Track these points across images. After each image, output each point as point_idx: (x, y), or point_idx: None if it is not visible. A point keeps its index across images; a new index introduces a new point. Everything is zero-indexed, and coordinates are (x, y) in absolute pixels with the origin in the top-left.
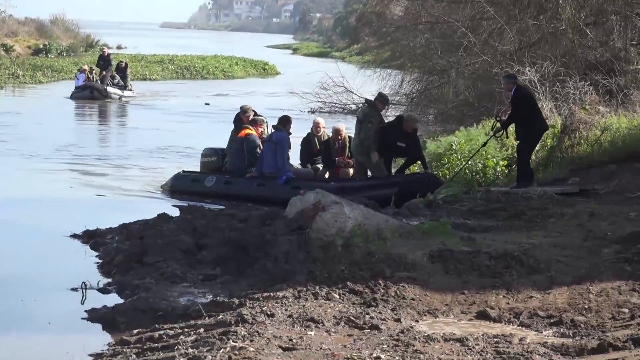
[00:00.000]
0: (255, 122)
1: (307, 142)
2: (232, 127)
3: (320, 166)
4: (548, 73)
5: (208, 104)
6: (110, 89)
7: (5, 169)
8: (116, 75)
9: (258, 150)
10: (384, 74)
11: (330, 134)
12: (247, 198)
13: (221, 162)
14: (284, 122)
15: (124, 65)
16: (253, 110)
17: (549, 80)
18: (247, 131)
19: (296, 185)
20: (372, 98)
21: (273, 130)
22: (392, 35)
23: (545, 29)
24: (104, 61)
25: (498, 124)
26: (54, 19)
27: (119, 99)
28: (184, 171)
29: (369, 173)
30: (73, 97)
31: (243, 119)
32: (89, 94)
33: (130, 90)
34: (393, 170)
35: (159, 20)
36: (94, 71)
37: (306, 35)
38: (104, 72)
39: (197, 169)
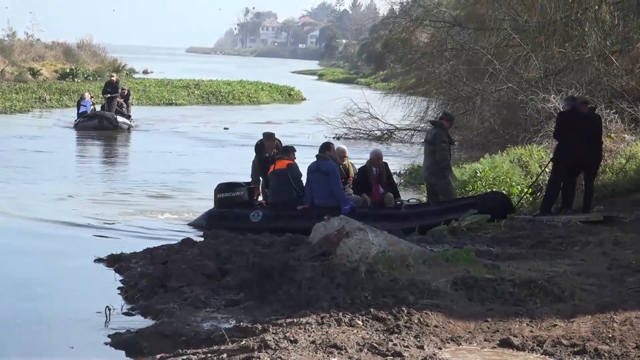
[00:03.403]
0: (288, 151)
1: None
2: (243, 153)
3: (351, 192)
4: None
5: (227, 129)
6: (119, 119)
7: (32, 194)
8: (123, 103)
9: (303, 180)
10: (410, 101)
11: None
12: (307, 231)
13: (248, 196)
14: (327, 150)
15: (126, 92)
16: (277, 138)
17: None
18: (287, 162)
19: (364, 214)
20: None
21: (317, 160)
22: (417, 62)
23: (571, 56)
24: (111, 88)
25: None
26: (81, 43)
27: (128, 129)
28: (217, 209)
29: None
30: (79, 126)
31: (266, 145)
32: (97, 124)
33: (131, 119)
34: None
35: (185, 45)
36: (92, 99)
37: (332, 61)
38: (112, 100)
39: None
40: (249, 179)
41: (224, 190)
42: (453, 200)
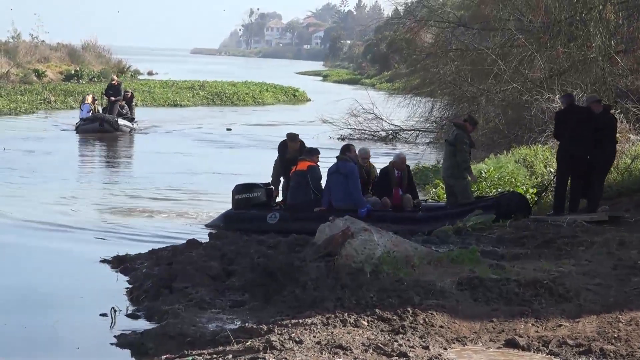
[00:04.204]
0: (312, 153)
1: None
2: (254, 155)
3: (371, 193)
4: (578, 101)
5: (230, 130)
6: (121, 122)
7: (35, 196)
8: (125, 105)
9: (322, 182)
10: (414, 101)
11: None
12: None
13: (266, 197)
14: (347, 151)
15: (129, 95)
16: (301, 140)
17: None
18: (308, 163)
19: (381, 217)
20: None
21: (337, 161)
22: (422, 63)
23: (576, 56)
24: (113, 91)
25: None
26: (86, 44)
27: (130, 132)
28: (234, 210)
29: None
30: (80, 129)
31: (290, 146)
32: (98, 127)
33: (135, 122)
34: None
35: (190, 46)
36: (96, 101)
37: (336, 62)
38: (113, 101)
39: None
40: (251, 180)
41: (242, 191)
42: (471, 202)
